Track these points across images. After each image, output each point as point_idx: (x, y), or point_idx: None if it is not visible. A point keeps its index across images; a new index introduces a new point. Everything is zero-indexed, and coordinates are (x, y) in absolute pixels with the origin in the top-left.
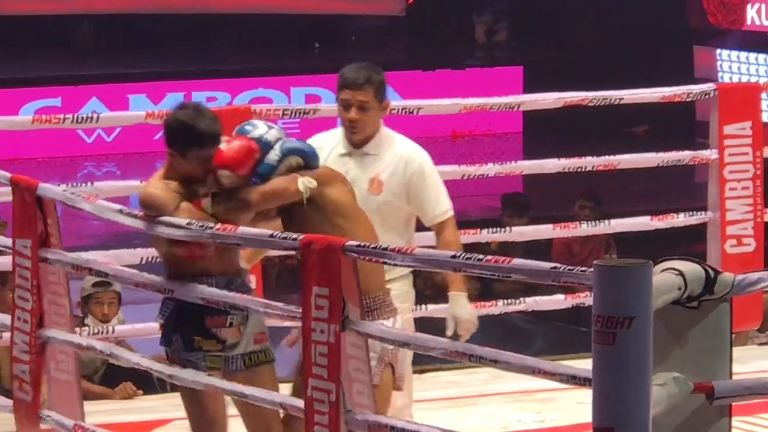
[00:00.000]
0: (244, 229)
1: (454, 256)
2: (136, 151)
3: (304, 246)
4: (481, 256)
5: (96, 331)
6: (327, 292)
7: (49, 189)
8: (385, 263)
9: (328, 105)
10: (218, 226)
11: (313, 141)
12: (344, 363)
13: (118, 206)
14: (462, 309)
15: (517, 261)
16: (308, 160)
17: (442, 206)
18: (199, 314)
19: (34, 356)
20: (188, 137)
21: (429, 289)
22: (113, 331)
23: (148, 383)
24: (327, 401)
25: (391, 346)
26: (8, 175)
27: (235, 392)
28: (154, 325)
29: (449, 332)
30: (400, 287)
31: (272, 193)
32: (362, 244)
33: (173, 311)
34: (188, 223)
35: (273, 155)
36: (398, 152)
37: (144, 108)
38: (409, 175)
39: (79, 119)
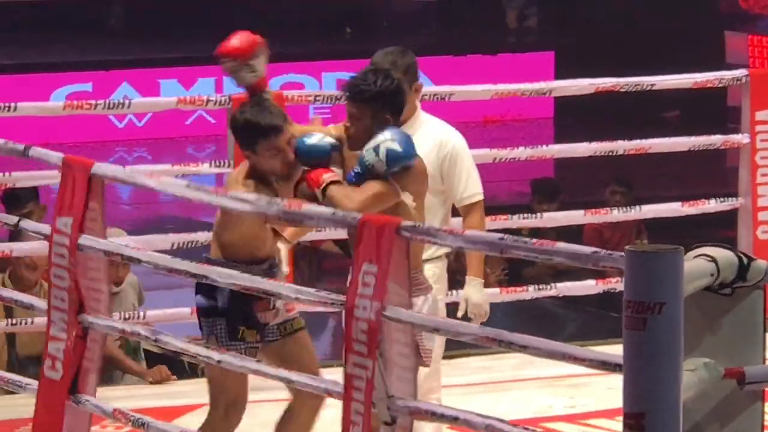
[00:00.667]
0: (310, 207)
1: (502, 238)
2: (167, 136)
3: (362, 224)
4: (527, 239)
5: (128, 317)
6: (375, 270)
7: (107, 167)
8: (436, 243)
9: None
10: (284, 202)
11: None
12: (389, 346)
13: (184, 182)
14: (476, 292)
15: (561, 245)
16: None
17: (471, 189)
18: (248, 302)
19: (73, 338)
20: (251, 133)
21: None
22: (144, 317)
23: (178, 367)
24: (365, 378)
25: None
26: (61, 155)
27: (281, 377)
28: (185, 311)
29: (460, 313)
30: (433, 269)
31: (374, 199)
32: (416, 224)
33: (224, 298)
34: (257, 198)
35: (375, 159)
36: (433, 134)
37: (175, 93)
38: (442, 156)
39: (111, 105)
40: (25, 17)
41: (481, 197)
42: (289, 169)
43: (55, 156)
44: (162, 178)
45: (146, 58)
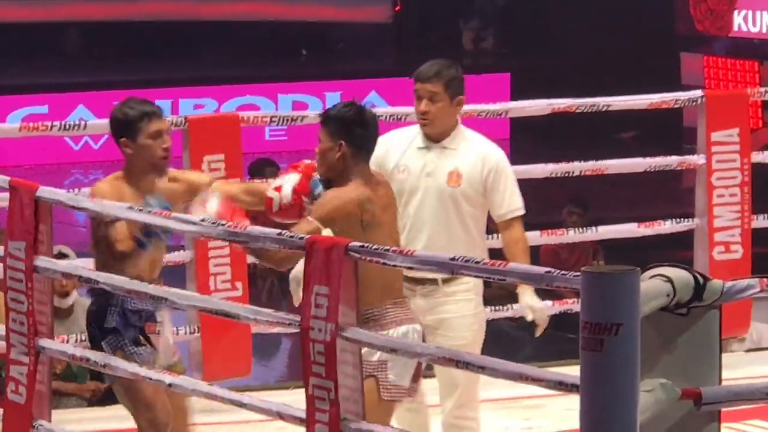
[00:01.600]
0: (255, 228)
1: (453, 258)
2: (120, 158)
3: (309, 245)
4: (478, 259)
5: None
6: (327, 291)
7: (50, 191)
8: (386, 264)
9: (316, 112)
10: (229, 224)
11: (390, 136)
12: (337, 367)
13: (126, 204)
14: (536, 299)
15: (513, 265)
16: None
17: (512, 204)
18: (140, 320)
19: (32, 361)
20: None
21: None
22: None
23: None
24: (327, 399)
25: (374, 358)
26: (7, 178)
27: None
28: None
29: (529, 318)
30: (468, 280)
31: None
32: (364, 245)
33: (118, 317)
34: (202, 220)
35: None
36: (476, 148)
37: None
38: (486, 171)
39: (67, 126)
40: None
41: (522, 212)
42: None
43: (1, 179)
44: (103, 201)
45: (102, 80)
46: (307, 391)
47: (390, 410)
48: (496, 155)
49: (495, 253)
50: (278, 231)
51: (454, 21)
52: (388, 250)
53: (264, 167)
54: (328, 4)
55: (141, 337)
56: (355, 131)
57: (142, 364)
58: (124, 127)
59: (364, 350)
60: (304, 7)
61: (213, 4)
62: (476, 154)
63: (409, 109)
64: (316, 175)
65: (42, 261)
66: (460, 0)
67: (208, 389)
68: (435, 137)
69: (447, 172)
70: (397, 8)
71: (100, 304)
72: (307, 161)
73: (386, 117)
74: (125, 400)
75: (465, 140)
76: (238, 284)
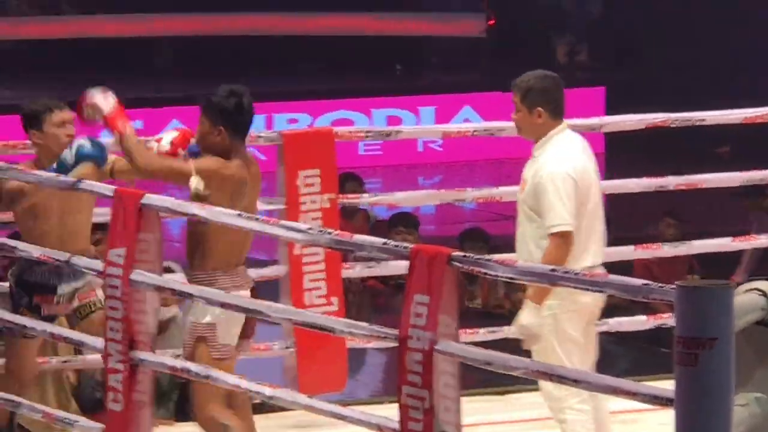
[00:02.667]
0: (362, 237)
1: (553, 270)
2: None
3: (413, 254)
4: (577, 270)
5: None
6: (427, 301)
7: (156, 198)
8: (488, 274)
9: (411, 127)
10: (336, 232)
11: None
12: (436, 377)
13: (235, 211)
14: (525, 315)
15: (612, 276)
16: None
17: (552, 220)
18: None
19: (128, 371)
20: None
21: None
22: None
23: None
24: (421, 408)
25: (204, 320)
26: (112, 187)
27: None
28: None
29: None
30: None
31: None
32: (466, 255)
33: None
34: (309, 229)
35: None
36: (543, 159)
37: None
38: (536, 182)
39: None
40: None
41: (560, 229)
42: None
43: (106, 188)
44: (213, 208)
45: (196, 94)
46: (400, 401)
47: (225, 368)
48: (549, 168)
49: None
50: (383, 240)
51: (547, 35)
52: (489, 260)
53: (345, 182)
54: (423, 18)
55: None
56: (233, 118)
57: None
58: (31, 119)
59: (196, 314)
60: (398, 22)
61: (307, 19)
62: (540, 164)
63: (503, 123)
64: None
65: (137, 274)
66: (553, 14)
67: (308, 402)
68: (534, 145)
69: (523, 178)
70: (491, 22)
71: None
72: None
73: (480, 131)
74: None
75: (546, 150)
76: (333, 299)
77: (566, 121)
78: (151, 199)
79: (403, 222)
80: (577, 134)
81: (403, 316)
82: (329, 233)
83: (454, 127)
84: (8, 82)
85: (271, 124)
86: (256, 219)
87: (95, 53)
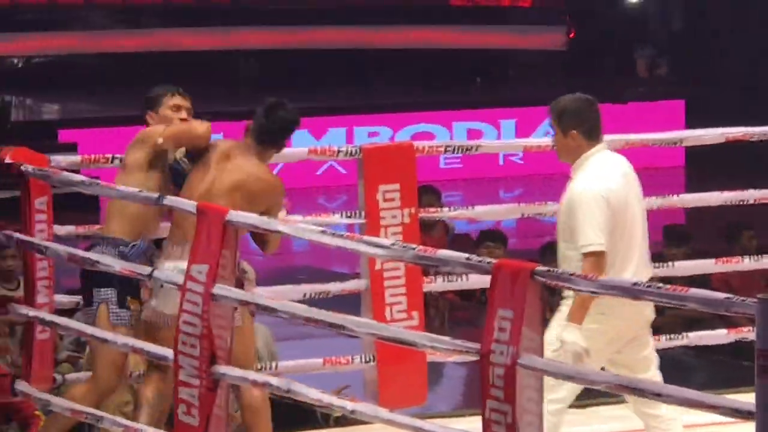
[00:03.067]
0: (445, 252)
1: (635, 284)
2: (298, 186)
3: (496, 269)
4: (660, 285)
5: (261, 367)
6: (511, 315)
7: (241, 215)
8: (571, 288)
9: (491, 141)
10: (419, 248)
11: None
12: (519, 392)
13: (319, 228)
14: (572, 335)
15: (693, 290)
16: None
17: (582, 240)
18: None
19: (204, 386)
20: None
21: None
22: (276, 367)
23: (311, 418)
24: (504, 423)
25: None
26: (195, 203)
27: None
28: (317, 361)
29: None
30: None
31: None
32: (551, 269)
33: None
34: (392, 244)
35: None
36: (577, 180)
37: (306, 144)
38: (565, 203)
39: None
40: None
41: (592, 248)
42: None
43: (190, 204)
44: (297, 224)
45: None
46: (483, 415)
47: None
48: (578, 188)
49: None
50: (466, 256)
51: (628, 48)
52: (573, 274)
53: (422, 194)
54: (503, 31)
55: None
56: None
57: None
58: (150, 101)
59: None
60: (478, 35)
61: (388, 32)
62: (571, 185)
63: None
64: None
65: (220, 288)
66: (634, 27)
67: (389, 416)
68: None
69: (561, 201)
70: (572, 35)
71: None
72: None
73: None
74: None
75: (579, 173)
76: (414, 313)
77: (606, 140)
78: (235, 215)
79: (490, 237)
80: (616, 155)
81: (486, 330)
82: (413, 249)
83: (534, 141)
84: (92, 95)
85: (352, 137)
86: (341, 235)
87: (178, 66)
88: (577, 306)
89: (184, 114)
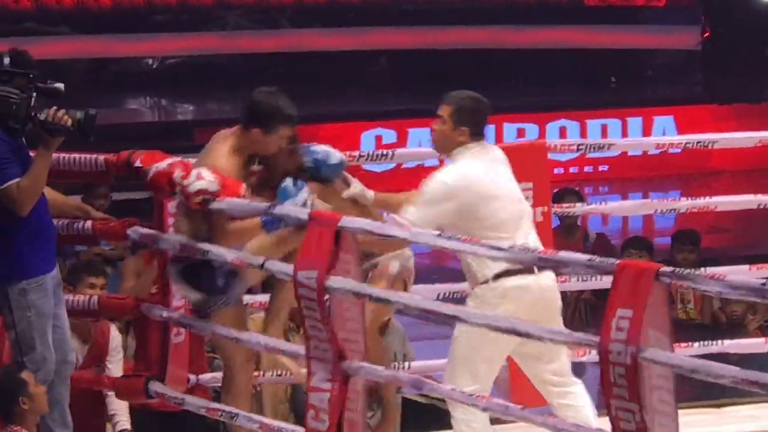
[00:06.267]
0: (566, 254)
1: (764, 284)
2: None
3: (619, 269)
4: None
5: (395, 366)
6: (630, 314)
7: (353, 221)
8: (697, 289)
9: (624, 140)
10: (539, 250)
11: None
12: (648, 393)
13: (434, 232)
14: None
15: None
16: None
17: (408, 213)
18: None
19: (336, 387)
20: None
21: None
22: (408, 367)
23: (441, 419)
24: (633, 421)
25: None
26: (307, 211)
27: None
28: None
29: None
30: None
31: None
32: (675, 270)
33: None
34: (510, 247)
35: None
36: (443, 169)
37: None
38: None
39: (373, 156)
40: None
41: (408, 218)
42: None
43: (302, 212)
44: (412, 228)
45: (411, 108)
46: (610, 414)
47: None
48: (439, 175)
49: None
50: (588, 257)
51: (763, 47)
52: (698, 274)
53: (564, 196)
54: (638, 31)
55: None
56: None
57: None
58: (263, 120)
59: None
60: (613, 35)
61: (522, 33)
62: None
63: (715, 136)
64: None
65: (333, 281)
66: None
67: (522, 413)
68: None
69: None
70: (706, 34)
71: None
72: None
73: (692, 144)
74: None
75: (450, 164)
76: None
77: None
78: (348, 222)
79: (634, 244)
80: (490, 147)
81: (604, 329)
82: (533, 251)
83: (666, 139)
84: (227, 95)
85: (502, 135)
86: (457, 238)
87: (312, 66)
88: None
89: (286, 143)
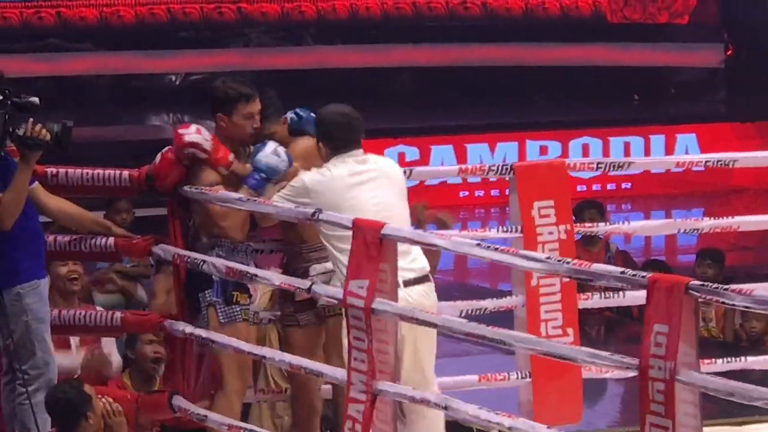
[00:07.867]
0: (600, 266)
1: None
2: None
3: (651, 283)
4: None
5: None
6: (667, 330)
7: (395, 229)
8: (725, 304)
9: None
10: (574, 261)
11: None
12: (678, 407)
13: (475, 241)
14: None
15: None
16: None
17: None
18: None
19: (369, 401)
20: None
21: (746, 340)
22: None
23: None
24: None
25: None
26: (351, 218)
27: None
28: (472, 378)
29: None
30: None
31: None
32: (705, 284)
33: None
34: (547, 258)
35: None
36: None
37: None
38: None
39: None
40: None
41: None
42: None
43: (346, 219)
44: (452, 237)
45: (434, 126)
46: (643, 430)
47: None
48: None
49: None
50: (621, 270)
51: None
52: (726, 288)
53: (584, 209)
54: (661, 49)
55: None
56: None
57: None
58: (223, 104)
59: None
60: (636, 53)
61: (545, 50)
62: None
63: (736, 155)
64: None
65: (379, 303)
66: None
67: None
68: None
69: None
70: (729, 52)
71: None
72: None
73: (713, 162)
74: None
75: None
76: (569, 330)
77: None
78: (391, 229)
79: (710, 256)
80: (370, 157)
81: (643, 345)
82: (568, 262)
83: (687, 157)
84: None
85: (525, 152)
86: (496, 249)
87: (334, 83)
88: None
89: (257, 121)
